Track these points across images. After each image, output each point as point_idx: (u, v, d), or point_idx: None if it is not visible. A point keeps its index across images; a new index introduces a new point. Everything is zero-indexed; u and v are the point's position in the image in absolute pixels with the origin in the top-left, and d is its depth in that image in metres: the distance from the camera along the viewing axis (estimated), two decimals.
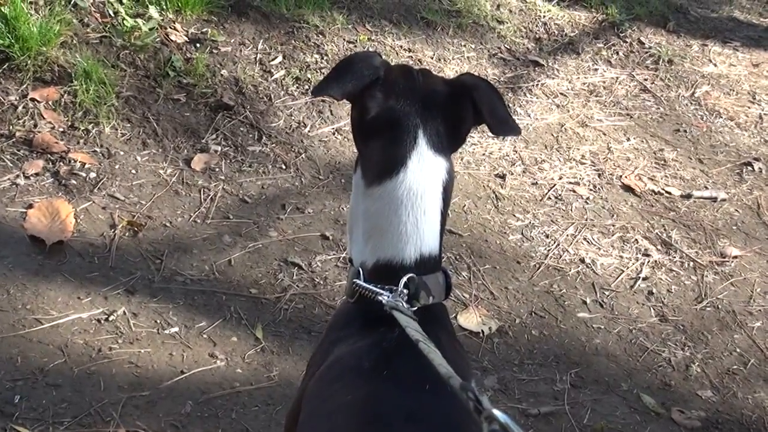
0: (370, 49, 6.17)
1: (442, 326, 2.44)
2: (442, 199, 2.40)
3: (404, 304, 2.28)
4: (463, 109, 2.47)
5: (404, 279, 2.32)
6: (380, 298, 2.30)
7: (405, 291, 2.31)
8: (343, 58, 2.46)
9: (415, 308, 2.30)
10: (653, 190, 5.77)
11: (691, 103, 6.80)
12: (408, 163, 2.35)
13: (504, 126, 2.54)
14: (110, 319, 4.13)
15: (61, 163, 4.81)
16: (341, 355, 2.33)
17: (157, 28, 5.57)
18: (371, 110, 2.39)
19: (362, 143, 2.46)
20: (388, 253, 2.35)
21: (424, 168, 2.37)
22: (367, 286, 2.34)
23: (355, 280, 2.38)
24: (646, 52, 7.23)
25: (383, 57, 2.77)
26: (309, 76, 5.78)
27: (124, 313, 4.18)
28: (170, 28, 5.65)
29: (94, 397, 3.79)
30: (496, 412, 1.82)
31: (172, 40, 5.58)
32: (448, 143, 2.44)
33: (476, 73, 4.97)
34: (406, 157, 2.36)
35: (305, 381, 2.47)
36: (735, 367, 4.65)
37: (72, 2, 5.49)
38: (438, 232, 2.40)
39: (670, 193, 5.78)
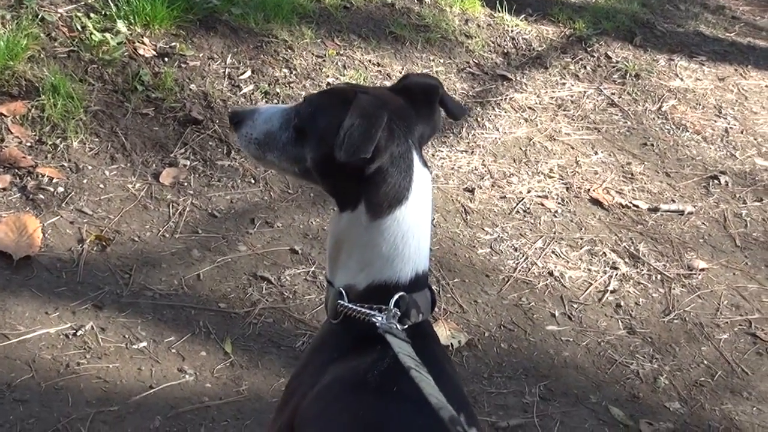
0: (340, 64, 6.19)
1: (434, 340, 2.45)
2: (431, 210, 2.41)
3: (397, 325, 2.28)
4: (436, 113, 2.48)
5: (395, 298, 2.31)
6: (374, 320, 2.29)
7: (396, 310, 2.30)
8: (358, 112, 2.25)
9: (406, 326, 2.30)
10: (621, 204, 5.80)
11: (658, 117, 6.85)
12: (412, 187, 2.34)
13: (460, 110, 2.62)
14: (78, 334, 4.11)
15: (29, 178, 4.79)
16: (340, 374, 2.31)
17: (125, 43, 5.55)
18: (382, 154, 2.29)
19: (364, 183, 2.33)
20: (385, 276, 2.34)
21: (422, 187, 2.36)
22: (357, 308, 2.33)
23: (339, 301, 2.36)
24: (614, 67, 7.28)
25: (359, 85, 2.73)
26: (278, 90, 5.78)
27: (92, 328, 4.16)
28: (138, 42, 5.64)
29: (62, 412, 3.76)
30: None
31: (140, 55, 5.57)
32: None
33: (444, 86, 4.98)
34: (411, 182, 2.34)
35: (292, 403, 2.41)
36: (702, 379, 4.67)
37: (39, 16, 5.47)
38: (428, 247, 2.41)
39: (637, 206, 5.82)
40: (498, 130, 6.23)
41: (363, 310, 2.32)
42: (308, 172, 2.44)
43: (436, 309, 4.62)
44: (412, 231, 2.33)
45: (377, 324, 2.27)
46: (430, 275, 4.85)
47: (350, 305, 2.34)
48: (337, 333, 2.42)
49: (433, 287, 4.56)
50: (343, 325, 2.38)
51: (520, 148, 6.11)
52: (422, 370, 2.13)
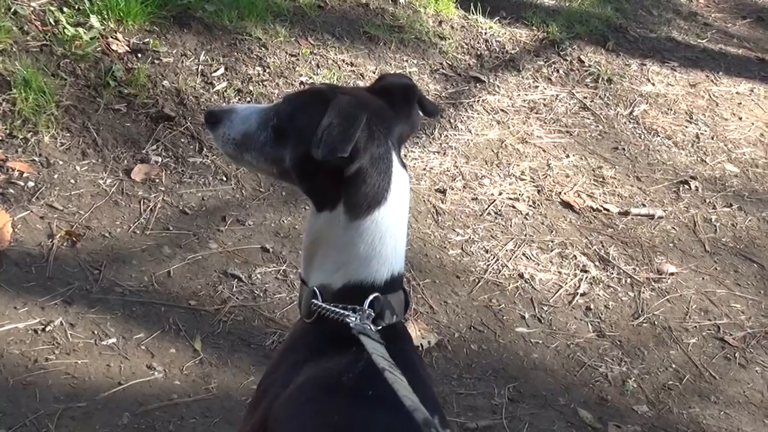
0: (313, 63, 6.18)
1: (408, 342, 2.44)
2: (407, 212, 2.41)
3: (371, 326, 2.27)
4: (415, 114, 2.48)
5: (369, 299, 2.30)
6: (348, 320, 2.27)
7: (370, 311, 2.29)
8: (336, 111, 2.25)
9: (380, 327, 2.29)
10: (592, 207, 5.83)
11: (630, 122, 6.88)
12: (391, 188, 2.33)
13: (435, 108, 2.62)
14: (47, 329, 4.09)
15: None
16: (314, 376, 2.29)
17: (98, 38, 5.52)
18: (362, 155, 2.29)
19: (343, 184, 2.31)
20: (361, 276, 2.33)
21: (400, 188, 2.35)
22: (331, 308, 2.31)
23: (313, 300, 2.34)
24: (586, 71, 7.30)
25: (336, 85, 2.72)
26: (251, 88, 5.77)
27: (62, 323, 4.14)
28: (111, 37, 5.61)
29: (30, 408, 3.74)
30: None
31: (113, 50, 5.54)
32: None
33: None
34: (390, 183, 2.33)
35: (265, 403, 2.39)
36: (671, 382, 4.70)
37: (12, 9, 5.43)
38: (404, 248, 2.40)
39: (608, 210, 5.84)
40: (470, 131, 6.24)
41: (337, 310, 2.30)
42: (287, 173, 2.43)
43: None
44: (390, 232, 2.32)
45: (351, 324, 2.26)
46: None
47: (324, 305, 2.32)
48: (311, 333, 2.40)
49: (404, 287, 4.55)
50: (316, 325, 2.36)
51: (492, 150, 6.12)
52: (396, 371, 2.12)
